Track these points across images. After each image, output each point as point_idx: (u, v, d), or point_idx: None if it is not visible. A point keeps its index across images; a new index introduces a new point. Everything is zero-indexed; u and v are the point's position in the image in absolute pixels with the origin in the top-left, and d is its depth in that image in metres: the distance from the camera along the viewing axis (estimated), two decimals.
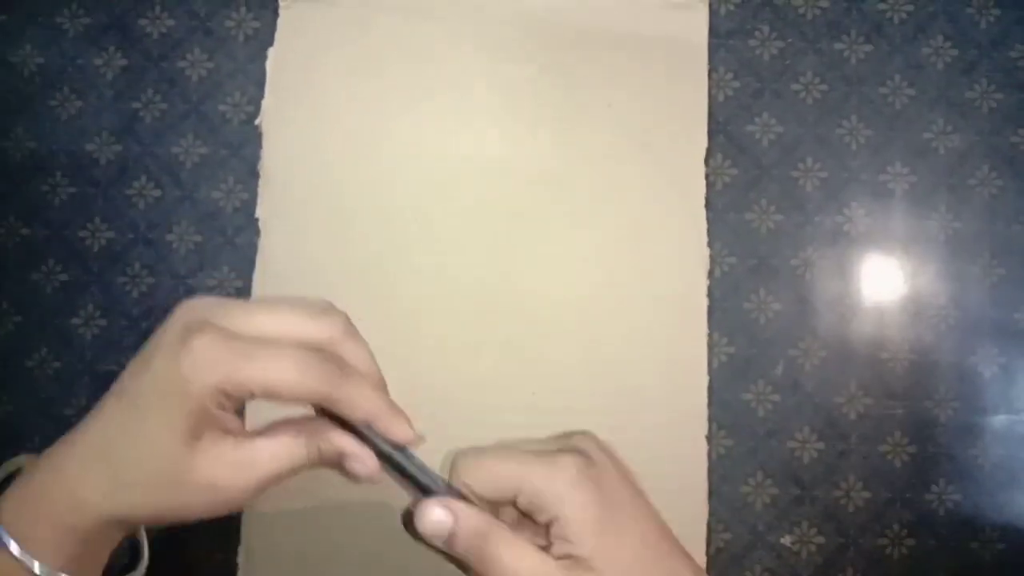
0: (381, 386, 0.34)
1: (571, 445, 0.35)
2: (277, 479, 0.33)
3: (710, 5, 0.52)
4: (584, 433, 0.36)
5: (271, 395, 0.32)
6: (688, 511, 0.48)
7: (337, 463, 0.34)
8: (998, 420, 0.49)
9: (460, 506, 0.33)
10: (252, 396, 0.32)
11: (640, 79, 0.51)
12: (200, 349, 0.31)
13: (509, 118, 0.51)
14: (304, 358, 0.32)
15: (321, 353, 0.32)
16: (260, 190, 0.51)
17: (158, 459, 0.32)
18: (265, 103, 0.52)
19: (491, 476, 0.34)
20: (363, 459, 0.33)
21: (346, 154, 0.51)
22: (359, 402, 0.33)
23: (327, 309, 0.34)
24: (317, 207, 0.51)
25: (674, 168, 0.50)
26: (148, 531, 0.37)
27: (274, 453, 0.33)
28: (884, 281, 0.50)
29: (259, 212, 0.51)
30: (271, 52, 0.52)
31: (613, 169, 0.50)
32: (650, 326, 0.49)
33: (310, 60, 0.52)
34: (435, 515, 0.33)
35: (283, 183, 0.51)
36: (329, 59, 0.52)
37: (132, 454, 0.32)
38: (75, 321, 0.51)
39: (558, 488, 0.33)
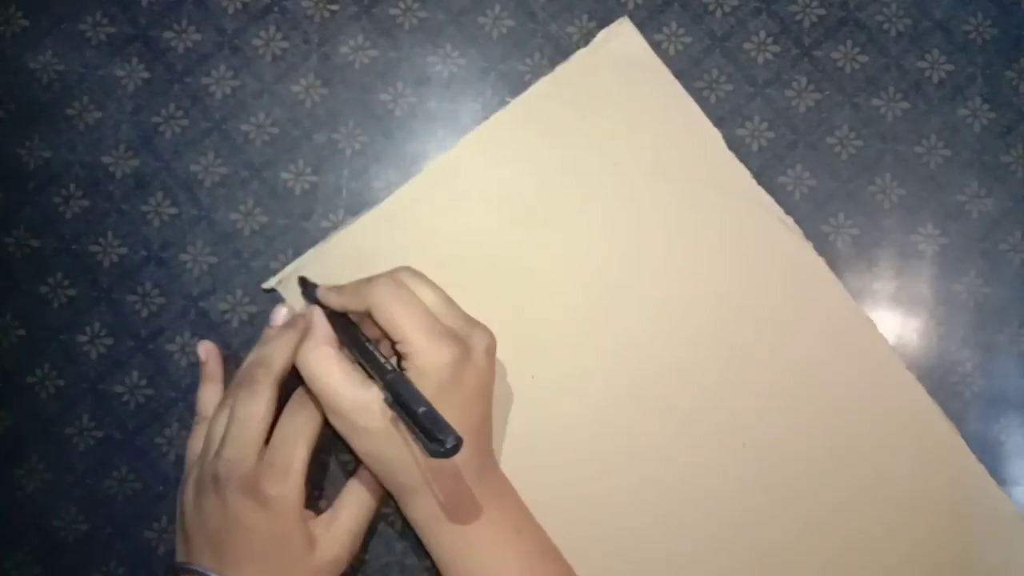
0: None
1: (468, 334, 0.43)
2: (364, 529, 0.45)
3: (748, 52, 0.51)
4: (485, 330, 0.44)
5: None
6: None
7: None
8: (1021, 491, 0.48)
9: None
10: None
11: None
12: (267, 505, 0.41)
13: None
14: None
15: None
16: None
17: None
18: None
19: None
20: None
21: None
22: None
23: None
24: None
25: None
26: None
27: (351, 516, 0.44)
28: (909, 344, 0.49)
29: None
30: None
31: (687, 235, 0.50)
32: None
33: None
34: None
35: None
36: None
37: None
38: (80, 338, 0.50)
39: (427, 359, 0.41)
